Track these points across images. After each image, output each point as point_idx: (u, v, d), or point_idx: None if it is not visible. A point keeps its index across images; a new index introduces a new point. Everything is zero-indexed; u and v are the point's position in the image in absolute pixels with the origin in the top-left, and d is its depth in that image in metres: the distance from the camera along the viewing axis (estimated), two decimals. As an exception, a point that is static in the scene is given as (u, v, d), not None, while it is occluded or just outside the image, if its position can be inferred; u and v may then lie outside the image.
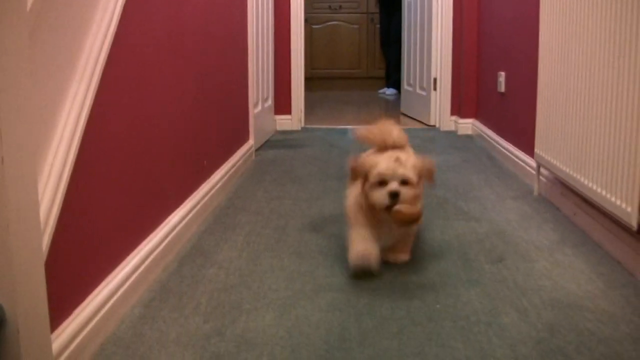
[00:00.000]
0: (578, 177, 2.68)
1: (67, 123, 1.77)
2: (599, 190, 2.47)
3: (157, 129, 2.51)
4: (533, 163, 3.47)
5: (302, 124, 5.92)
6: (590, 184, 2.55)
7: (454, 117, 5.65)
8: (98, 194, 1.98)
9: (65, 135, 1.75)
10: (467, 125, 5.49)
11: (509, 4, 4.27)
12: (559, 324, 1.96)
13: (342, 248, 2.62)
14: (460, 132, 5.51)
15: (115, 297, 2.03)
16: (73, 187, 1.78)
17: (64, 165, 1.72)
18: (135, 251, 2.29)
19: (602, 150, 2.44)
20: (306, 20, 9.04)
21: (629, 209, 2.22)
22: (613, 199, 2.34)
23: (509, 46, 4.27)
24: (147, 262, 2.32)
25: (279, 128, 5.82)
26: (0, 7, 1.34)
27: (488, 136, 4.79)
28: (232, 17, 3.95)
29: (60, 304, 1.74)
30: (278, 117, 5.79)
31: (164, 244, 2.51)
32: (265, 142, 5.20)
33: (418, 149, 4.60)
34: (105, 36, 2.01)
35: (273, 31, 5.53)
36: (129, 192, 2.24)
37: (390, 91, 8.81)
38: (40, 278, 1.52)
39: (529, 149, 3.69)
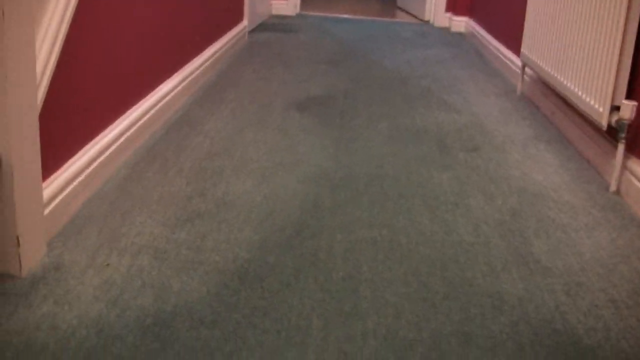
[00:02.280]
0: (558, 77, 2.75)
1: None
2: (576, 90, 2.55)
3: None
4: (519, 62, 3.55)
5: (298, 10, 5.94)
6: (569, 84, 2.63)
7: (448, 14, 5.68)
8: (92, 55, 2.05)
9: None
10: (461, 23, 5.53)
11: None
12: (522, 209, 2.07)
13: (324, 128, 2.71)
14: (453, 29, 5.54)
15: (103, 157, 2.12)
16: (69, 45, 1.85)
17: (61, 22, 1.78)
18: (124, 115, 2.37)
19: (582, 53, 2.52)
20: None
21: (601, 109, 2.31)
22: (588, 99, 2.43)
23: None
24: (135, 127, 2.41)
25: (274, 12, 5.84)
26: None
27: (480, 34, 4.83)
28: None
29: (52, 156, 1.83)
30: (274, 1, 5.80)
31: (152, 111, 2.58)
32: (260, 24, 5.23)
33: (408, 42, 4.67)
34: None
35: None
36: (122, 56, 2.30)
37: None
38: (34, 128, 1.60)
39: (515, 48, 3.75)
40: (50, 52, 1.75)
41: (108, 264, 1.64)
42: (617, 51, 2.24)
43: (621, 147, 2.25)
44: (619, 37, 2.23)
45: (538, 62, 3.07)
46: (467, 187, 2.23)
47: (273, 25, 5.26)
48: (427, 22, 5.83)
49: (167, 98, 2.77)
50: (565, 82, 2.68)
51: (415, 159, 2.45)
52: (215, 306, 1.49)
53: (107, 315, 1.44)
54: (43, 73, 1.71)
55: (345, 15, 5.81)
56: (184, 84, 3.01)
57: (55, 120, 1.82)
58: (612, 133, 2.36)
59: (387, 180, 2.24)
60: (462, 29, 5.51)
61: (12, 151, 1.51)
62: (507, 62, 3.92)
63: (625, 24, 2.22)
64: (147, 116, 2.53)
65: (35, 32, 1.71)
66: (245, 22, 4.56)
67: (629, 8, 2.20)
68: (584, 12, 2.54)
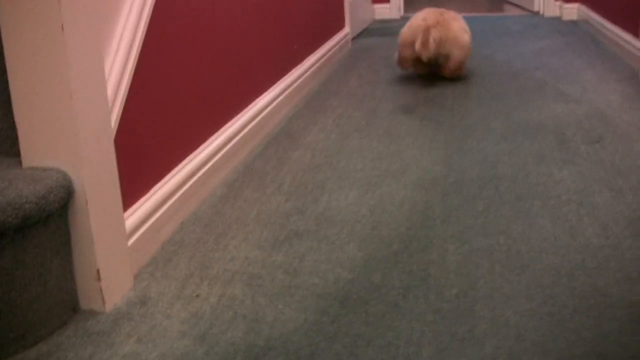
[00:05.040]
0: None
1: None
2: None
3: (243, 5, 2.44)
4: (639, 44, 3.30)
5: (402, 13, 5.77)
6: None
7: (558, 2, 5.43)
8: (175, 70, 1.93)
9: (136, 3, 1.70)
10: (573, 10, 5.27)
11: None
12: (657, 203, 1.86)
13: (433, 130, 2.55)
14: (565, 18, 5.29)
15: (196, 177, 2.01)
16: (145, 61, 1.74)
17: (134, 37, 1.67)
18: (220, 131, 2.25)
19: None
20: None
21: None
22: None
23: None
24: (232, 143, 2.29)
25: (377, 17, 5.69)
26: None
27: (594, 20, 4.58)
28: None
29: (137, 181, 1.72)
30: (376, 5, 5.66)
31: (251, 125, 2.47)
32: (363, 30, 5.10)
33: (519, 35, 4.46)
34: None
35: None
36: (214, 70, 2.19)
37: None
38: (110, 151, 1.49)
39: (634, 29, 3.51)
40: (125, 65, 1.64)
41: (198, 295, 1.51)
42: None
43: None
44: None
45: (661, 41, 2.84)
46: (591, 183, 2.02)
47: (376, 30, 5.12)
48: (537, 13, 5.59)
49: (266, 111, 2.64)
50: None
51: (532, 156, 2.25)
52: (313, 336, 1.33)
53: (194, 352, 1.30)
54: (117, 89, 1.60)
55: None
56: (284, 95, 2.88)
57: (136, 142, 1.71)
58: None
59: (502, 182, 2.05)
60: (574, 17, 5.25)
61: (85, 180, 1.40)
62: (626, 45, 3.67)
63: None
64: (245, 131, 2.41)
65: (107, 45, 1.60)
66: (347, 29, 4.43)
67: None
68: None
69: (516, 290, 1.47)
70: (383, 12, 5.68)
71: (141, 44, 1.70)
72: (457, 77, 3.35)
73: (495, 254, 1.62)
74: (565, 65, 3.58)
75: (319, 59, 3.57)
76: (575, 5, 5.24)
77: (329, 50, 3.83)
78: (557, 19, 5.29)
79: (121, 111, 1.61)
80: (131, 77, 1.65)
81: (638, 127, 2.50)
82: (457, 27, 3.23)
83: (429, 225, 1.79)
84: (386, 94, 3.13)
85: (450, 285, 1.50)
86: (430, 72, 3.44)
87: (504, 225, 1.77)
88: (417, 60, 3.28)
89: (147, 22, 1.73)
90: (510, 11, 5.85)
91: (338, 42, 4.08)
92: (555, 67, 3.54)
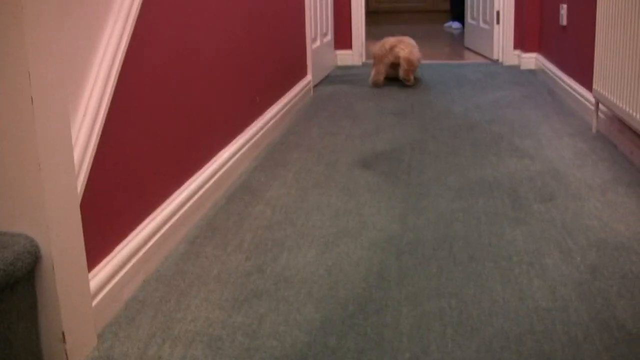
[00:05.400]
0: (635, 114, 2.61)
1: (104, 60, 1.76)
2: (653, 128, 2.41)
3: (203, 64, 2.50)
4: (592, 99, 3.40)
5: (364, 59, 5.86)
6: (645, 122, 2.49)
7: (517, 51, 5.55)
8: (139, 131, 1.98)
9: (102, 74, 1.75)
10: (531, 60, 5.39)
11: None
12: (603, 265, 1.93)
13: (390, 186, 2.61)
14: (523, 67, 5.41)
15: (158, 235, 2.05)
16: (111, 126, 1.79)
17: (99, 105, 1.72)
18: (182, 188, 2.30)
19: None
20: (371, -47, 8.94)
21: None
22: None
23: (572, -22, 4.16)
24: (194, 199, 2.34)
25: (339, 63, 5.78)
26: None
27: (550, 71, 4.69)
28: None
29: (101, 242, 1.76)
30: (339, 52, 5.74)
31: (212, 180, 2.52)
32: (325, 77, 5.17)
33: (478, 85, 4.55)
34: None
35: (333, -36, 5.46)
36: (173, 128, 2.24)
37: (456, 24, 8.68)
38: (75, 217, 1.54)
39: (588, 84, 3.61)
40: (91, 132, 1.69)
41: (159, 358, 1.55)
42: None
43: None
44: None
45: (611, 98, 2.92)
46: (542, 243, 2.09)
47: (338, 77, 5.20)
48: (496, 61, 5.70)
49: (228, 164, 2.70)
50: (642, 120, 2.53)
51: (486, 215, 2.33)
52: (271, 403, 1.39)
53: (156, 419, 1.35)
54: (83, 156, 1.65)
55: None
56: (246, 147, 2.94)
57: (100, 205, 1.75)
58: (696, 173, 2.20)
59: (456, 242, 2.12)
60: (532, 66, 5.37)
61: (51, 245, 1.44)
62: (581, 98, 3.77)
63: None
64: (207, 186, 2.46)
65: (73, 114, 1.65)
66: (309, 77, 4.50)
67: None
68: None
69: (466, 354, 1.52)
70: (345, 58, 5.77)
71: (107, 110, 1.75)
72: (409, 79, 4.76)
73: (447, 317, 1.68)
74: (521, 118, 3.67)
75: (281, 109, 3.63)
76: (534, 55, 5.36)
77: (291, 99, 3.89)
78: (516, 68, 5.41)
79: (87, 176, 1.66)
80: (97, 143, 1.70)
81: (589, 184, 2.58)
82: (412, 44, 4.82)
83: (384, 286, 1.85)
84: (345, 147, 3.20)
85: (403, 350, 1.55)
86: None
87: (456, 288, 1.83)
88: (389, 66, 4.79)
89: (113, 88, 1.79)
90: (470, 58, 5.97)
91: (300, 91, 4.14)
92: (512, 120, 3.63)
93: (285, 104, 3.74)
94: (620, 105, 2.78)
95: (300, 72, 4.29)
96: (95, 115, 1.70)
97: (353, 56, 5.79)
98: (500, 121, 3.61)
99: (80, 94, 1.68)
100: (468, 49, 6.55)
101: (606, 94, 3.01)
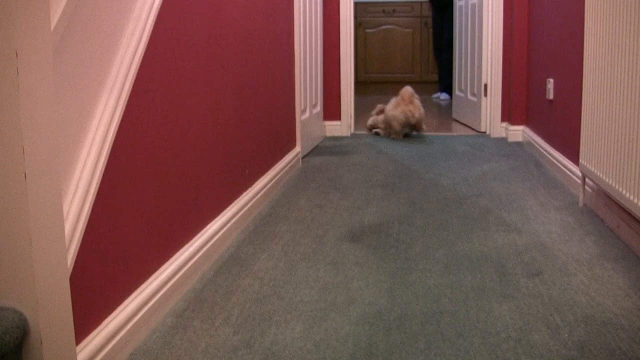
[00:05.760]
0: (620, 189, 2.64)
1: (96, 136, 1.78)
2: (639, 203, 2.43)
3: (193, 138, 2.52)
4: (579, 172, 3.43)
5: (352, 130, 5.91)
6: (631, 197, 2.51)
7: (504, 124, 5.61)
8: (129, 205, 1.99)
9: (94, 149, 1.76)
10: (518, 132, 5.44)
11: (558, 10, 4.23)
12: (591, 342, 1.93)
13: (378, 260, 2.62)
14: (510, 139, 5.46)
15: (147, 307, 2.05)
16: (101, 200, 1.80)
17: (91, 180, 1.73)
18: (170, 260, 2.30)
19: (642, 163, 2.41)
20: (360, 25, 9.05)
21: (667, 225, 2.19)
22: (653, 213, 2.31)
23: (558, 52, 4.22)
24: (182, 271, 2.34)
25: (328, 134, 5.82)
26: (23, 23, 1.35)
27: (537, 144, 4.74)
28: (277, 22, 3.95)
29: (89, 315, 1.76)
30: (327, 123, 5.79)
31: (200, 253, 2.52)
32: (314, 148, 5.20)
33: (465, 157, 4.58)
34: (137, 47, 2.02)
35: (322, 36, 5.51)
36: (162, 202, 2.25)
37: (444, 96, 8.77)
38: (65, 291, 1.54)
39: (575, 157, 3.64)
40: (83, 205, 1.70)
41: None
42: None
43: (693, 265, 2.11)
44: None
45: (597, 172, 2.95)
46: (529, 318, 2.10)
47: (327, 148, 5.23)
48: (484, 133, 5.76)
49: (217, 236, 2.70)
50: (627, 195, 2.55)
51: (474, 290, 2.33)
52: None
53: None
54: (74, 231, 1.65)
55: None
56: (234, 219, 2.95)
57: (89, 278, 1.76)
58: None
59: (444, 317, 2.12)
60: (519, 139, 5.42)
61: (40, 319, 1.44)
62: (567, 172, 3.81)
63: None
64: (196, 258, 2.47)
65: (65, 188, 1.66)
66: (298, 148, 4.53)
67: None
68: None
69: None
70: (334, 129, 5.82)
71: (98, 185, 1.77)
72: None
73: (435, 395, 1.68)
74: (509, 192, 3.69)
75: (270, 181, 3.65)
76: (521, 128, 5.41)
77: (280, 171, 3.91)
78: (503, 140, 5.46)
79: (77, 250, 1.66)
80: (88, 217, 1.71)
81: (576, 259, 2.60)
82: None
83: (372, 362, 1.85)
84: (334, 220, 3.21)
85: None
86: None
87: (444, 364, 1.83)
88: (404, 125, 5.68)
89: (105, 164, 1.80)
90: (458, 130, 6.02)
91: (289, 162, 4.17)
92: (499, 194, 3.65)
93: (274, 176, 3.76)
94: (607, 180, 2.81)
95: (289, 143, 4.32)
96: (86, 190, 1.71)
97: (342, 127, 5.83)
98: (487, 194, 3.64)
99: (72, 169, 1.69)
100: (456, 120, 6.61)
101: (592, 168, 3.04)
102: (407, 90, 5.75)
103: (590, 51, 3.12)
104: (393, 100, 5.81)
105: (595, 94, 3.01)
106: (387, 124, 5.77)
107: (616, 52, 2.71)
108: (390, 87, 9.47)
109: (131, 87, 1.98)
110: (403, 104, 5.67)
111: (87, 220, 1.71)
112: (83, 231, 1.69)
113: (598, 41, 2.98)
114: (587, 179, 3.31)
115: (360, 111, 6.26)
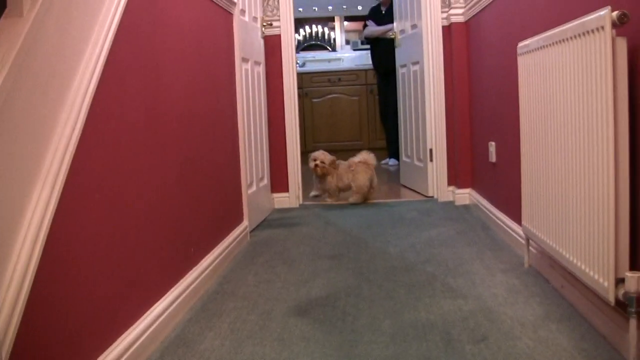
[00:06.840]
0: (560, 250, 2.66)
1: (31, 224, 1.77)
2: (578, 264, 2.46)
3: (134, 220, 2.51)
4: (522, 233, 3.46)
5: (300, 201, 5.91)
6: (571, 258, 2.54)
7: (451, 188, 5.65)
8: (68, 292, 1.97)
9: (29, 237, 1.75)
10: (465, 196, 5.48)
11: (495, 76, 4.30)
12: (535, 407, 1.94)
13: (325, 334, 2.61)
14: (457, 203, 5.49)
15: (88, 396, 2.02)
16: (38, 290, 1.78)
17: (26, 271, 1.72)
18: (114, 344, 2.28)
19: (579, 224, 2.44)
20: (306, 95, 9.12)
21: (605, 284, 2.21)
22: (591, 273, 2.33)
23: (497, 116, 4.29)
24: (126, 355, 2.31)
25: (277, 206, 5.81)
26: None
27: (484, 206, 4.78)
28: (219, 97, 3.97)
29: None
30: (275, 195, 5.78)
31: (145, 334, 2.50)
32: (262, 221, 5.19)
33: (413, 223, 4.60)
34: (73, 128, 2.02)
35: (267, 109, 5.54)
36: (104, 286, 2.23)
37: (392, 162, 8.81)
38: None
39: (518, 219, 3.68)
40: (17, 298, 1.68)
41: None
42: (612, 218, 2.16)
43: (633, 323, 2.13)
44: (612, 203, 2.16)
45: (538, 234, 2.99)
46: (475, 386, 2.10)
47: (275, 221, 5.22)
48: (432, 197, 5.79)
49: (162, 318, 2.68)
50: (566, 255, 2.58)
51: (419, 359, 2.33)
52: None
53: None
54: (8, 324, 1.63)
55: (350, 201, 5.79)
56: (180, 298, 2.93)
57: (25, 373, 1.73)
58: (623, 306, 2.24)
59: (389, 389, 2.12)
60: (466, 202, 5.46)
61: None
62: (513, 233, 3.84)
63: (616, 189, 2.15)
64: (141, 340, 2.45)
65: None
66: (246, 222, 4.52)
67: (616, 171, 2.15)
68: (575, 180, 2.47)
69: None
70: (282, 201, 5.81)
71: (33, 274, 1.75)
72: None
73: None
74: (455, 257, 3.71)
75: (217, 257, 3.63)
76: (467, 191, 5.46)
77: (228, 246, 3.90)
78: (451, 204, 5.49)
79: (12, 343, 1.64)
80: (23, 308, 1.69)
81: (521, 322, 2.61)
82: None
83: None
84: (281, 294, 3.20)
85: None
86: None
87: None
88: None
89: (40, 253, 1.79)
90: (406, 196, 6.05)
91: (236, 237, 4.15)
92: (445, 259, 3.67)
93: (222, 252, 3.75)
94: (548, 241, 2.84)
95: (236, 218, 4.32)
96: (21, 281, 1.70)
97: (290, 198, 5.83)
98: (434, 261, 3.65)
99: (7, 261, 1.68)
100: (404, 186, 6.64)
101: (534, 230, 3.07)
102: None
103: (525, 116, 3.18)
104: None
105: (531, 157, 3.06)
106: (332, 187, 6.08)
107: (548, 118, 2.76)
108: (339, 155, 9.49)
109: (66, 174, 1.97)
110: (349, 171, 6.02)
111: (21, 312, 1.69)
112: (18, 324, 1.67)
113: (531, 106, 3.04)
114: (530, 241, 3.34)
115: (309, 181, 6.25)
